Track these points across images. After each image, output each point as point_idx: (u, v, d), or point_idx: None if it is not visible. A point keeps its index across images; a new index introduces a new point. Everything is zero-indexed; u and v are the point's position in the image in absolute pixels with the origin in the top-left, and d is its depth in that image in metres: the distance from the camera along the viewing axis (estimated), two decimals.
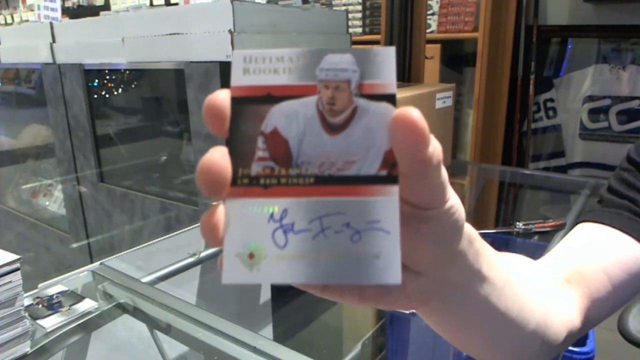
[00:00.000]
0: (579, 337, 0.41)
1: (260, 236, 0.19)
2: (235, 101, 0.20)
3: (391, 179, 0.19)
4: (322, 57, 0.20)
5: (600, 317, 0.42)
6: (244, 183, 0.20)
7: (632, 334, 0.80)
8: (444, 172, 0.22)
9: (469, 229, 0.27)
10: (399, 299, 0.25)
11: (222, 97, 0.20)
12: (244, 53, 0.20)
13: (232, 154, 0.20)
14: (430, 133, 0.19)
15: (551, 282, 0.40)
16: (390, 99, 0.20)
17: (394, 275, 0.19)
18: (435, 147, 0.20)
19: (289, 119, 0.20)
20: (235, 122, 0.20)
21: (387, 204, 0.19)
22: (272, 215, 0.19)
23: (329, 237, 0.19)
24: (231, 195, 0.20)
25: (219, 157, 0.19)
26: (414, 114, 0.19)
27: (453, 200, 0.23)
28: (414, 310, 0.29)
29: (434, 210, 0.23)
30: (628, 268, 0.41)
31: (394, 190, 0.19)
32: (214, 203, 0.21)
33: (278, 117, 0.20)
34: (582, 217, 0.47)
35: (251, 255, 0.19)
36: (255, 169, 0.20)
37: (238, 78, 0.20)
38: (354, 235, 0.19)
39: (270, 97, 0.20)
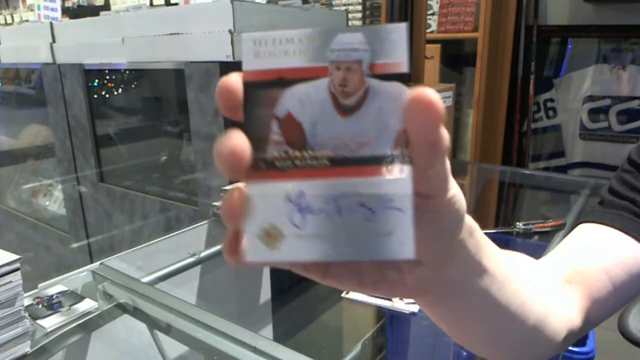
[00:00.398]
0: (580, 337, 0.41)
1: (278, 217, 0.20)
2: (248, 86, 0.20)
3: (404, 159, 0.20)
4: (332, 38, 0.20)
5: (601, 318, 0.42)
6: (261, 166, 0.20)
7: (632, 334, 0.80)
8: (447, 162, 0.22)
9: (469, 221, 0.27)
10: (398, 287, 0.25)
11: (234, 81, 0.20)
12: (254, 36, 0.20)
13: (248, 138, 0.20)
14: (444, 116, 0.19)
15: (551, 282, 0.40)
16: (403, 78, 0.20)
17: (407, 251, 0.19)
18: (445, 132, 0.20)
19: (302, 102, 0.20)
20: (249, 106, 0.20)
21: (400, 184, 0.20)
22: (289, 197, 0.20)
23: (344, 217, 0.20)
24: (250, 179, 0.20)
25: (239, 141, 0.20)
26: (431, 94, 0.19)
27: (454, 190, 0.23)
28: (414, 311, 0.29)
29: (436, 200, 0.23)
30: (629, 268, 0.41)
31: (407, 169, 0.20)
32: (230, 187, 0.21)
33: (291, 100, 0.20)
34: (583, 218, 0.47)
35: (270, 235, 0.20)
36: (271, 152, 0.20)
37: (249, 62, 0.20)
38: (368, 214, 0.20)
39: (283, 80, 0.20)
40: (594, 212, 0.46)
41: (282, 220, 0.20)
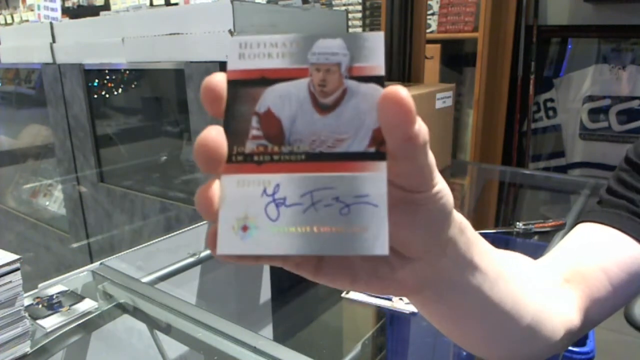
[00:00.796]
0: (580, 337, 0.41)
1: (253, 209, 0.20)
2: (231, 84, 0.21)
3: (379, 156, 0.20)
4: (314, 42, 0.21)
5: (600, 317, 0.42)
6: (238, 160, 0.21)
7: (638, 322, 0.81)
8: (431, 156, 0.22)
9: (459, 218, 0.27)
10: (391, 284, 0.26)
11: (218, 79, 0.21)
12: (240, 39, 0.21)
13: (228, 132, 0.21)
14: (416, 112, 0.20)
15: (550, 281, 0.40)
16: (379, 80, 0.21)
17: (381, 246, 0.19)
18: (421, 127, 0.20)
19: (282, 99, 0.21)
20: (231, 103, 0.21)
21: (375, 179, 0.20)
22: (265, 190, 0.20)
23: (319, 211, 0.20)
24: (226, 171, 0.21)
25: (215, 134, 0.20)
26: (401, 92, 0.19)
27: (441, 185, 0.24)
28: (414, 311, 0.29)
29: (421, 194, 0.23)
30: (627, 268, 0.41)
31: (382, 166, 0.20)
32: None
33: (271, 98, 0.21)
34: (582, 218, 0.47)
35: (245, 228, 0.20)
36: (250, 146, 0.21)
37: (234, 62, 0.21)
38: (343, 208, 0.20)
39: (265, 79, 0.21)
40: (592, 212, 0.46)
41: (256, 213, 0.20)
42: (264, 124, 0.21)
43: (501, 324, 0.33)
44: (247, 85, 0.21)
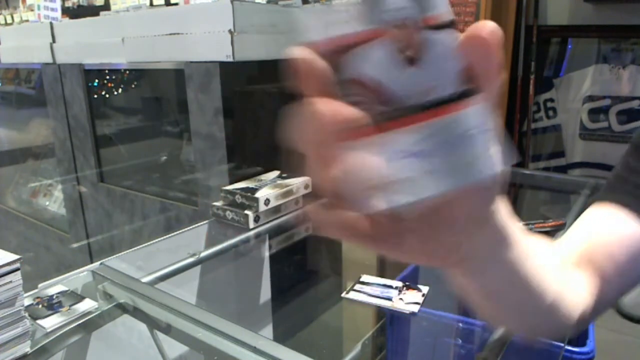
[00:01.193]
0: (591, 321, 0.43)
1: (374, 168, 0.21)
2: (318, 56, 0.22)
3: (472, 91, 0.22)
4: (382, 1, 0.22)
5: (610, 300, 0.43)
6: (348, 128, 0.22)
7: (623, 309, 0.81)
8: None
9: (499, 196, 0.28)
10: (437, 256, 0.27)
11: (305, 52, 0.22)
12: (312, 11, 0.22)
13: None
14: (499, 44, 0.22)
15: (566, 264, 0.41)
16: (451, 24, 0.22)
17: (495, 166, 0.22)
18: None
19: (368, 62, 0.22)
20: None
21: (476, 112, 0.22)
22: (380, 149, 0.21)
23: (434, 155, 0.21)
24: (341, 141, 0.22)
25: (326, 105, 0.21)
26: (485, 28, 0.21)
27: None
28: (414, 311, 0.29)
29: None
30: (636, 251, 0.42)
31: (478, 98, 0.22)
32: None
33: (358, 63, 0.22)
34: (591, 200, 0.48)
35: (373, 188, 0.21)
36: (353, 113, 0.22)
37: (311, 35, 0.22)
38: (454, 146, 0.21)
39: (345, 46, 0.22)
40: (602, 195, 0.47)
41: (378, 171, 0.21)
42: (359, 89, 0.22)
43: (526, 301, 0.34)
44: (331, 55, 0.22)
